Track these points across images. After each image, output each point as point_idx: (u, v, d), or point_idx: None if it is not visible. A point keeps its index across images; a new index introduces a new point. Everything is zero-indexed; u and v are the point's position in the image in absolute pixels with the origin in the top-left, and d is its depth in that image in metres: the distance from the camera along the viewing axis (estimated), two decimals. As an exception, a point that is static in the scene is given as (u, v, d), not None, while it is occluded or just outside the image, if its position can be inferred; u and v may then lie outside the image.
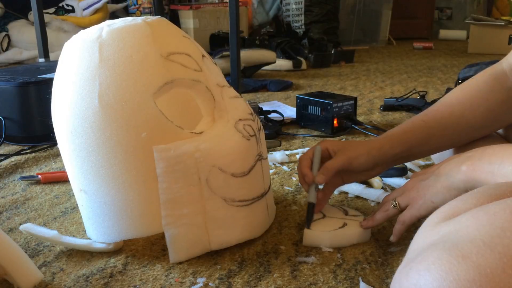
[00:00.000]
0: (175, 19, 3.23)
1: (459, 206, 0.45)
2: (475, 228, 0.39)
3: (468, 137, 0.80)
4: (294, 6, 3.34)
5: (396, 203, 0.71)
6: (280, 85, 2.05)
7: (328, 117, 1.33)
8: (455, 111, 0.78)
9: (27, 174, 1.09)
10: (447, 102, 0.80)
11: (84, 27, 0.72)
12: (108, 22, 0.71)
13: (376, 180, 0.96)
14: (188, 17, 3.15)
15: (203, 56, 0.74)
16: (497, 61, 0.83)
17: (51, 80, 0.72)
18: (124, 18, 0.72)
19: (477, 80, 0.80)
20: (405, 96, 1.64)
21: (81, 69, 0.67)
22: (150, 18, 0.72)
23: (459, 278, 0.35)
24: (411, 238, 0.46)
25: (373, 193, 0.92)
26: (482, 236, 0.37)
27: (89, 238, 0.76)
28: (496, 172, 0.56)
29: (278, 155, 1.13)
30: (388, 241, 0.75)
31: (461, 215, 0.43)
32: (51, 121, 0.74)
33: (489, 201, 0.43)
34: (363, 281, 0.65)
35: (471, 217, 0.41)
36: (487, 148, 0.60)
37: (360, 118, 1.47)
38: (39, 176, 1.02)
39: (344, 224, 0.75)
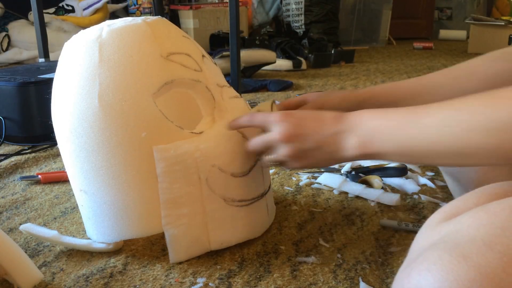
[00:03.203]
0: (175, 19, 3.23)
1: (460, 205, 0.46)
2: (475, 228, 0.39)
3: None
4: (294, 6, 3.34)
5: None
6: (280, 85, 2.05)
7: (328, 117, 1.33)
8: (450, 73, 0.76)
9: (27, 174, 1.09)
10: (447, 68, 0.78)
11: (84, 27, 0.72)
12: (108, 22, 0.71)
13: (376, 180, 0.96)
14: (188, 17, 3.14)
15: (203, 56, 0.74)
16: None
17: (51, 80, 0.72)
18: (124, 18, 0.72)
19: (483, 54, 0.77)
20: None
21: (81, 69, 0.67)
22: (150, 18, 0.72)
23: (459, 278, 0.35)
24: (412, 239, 0.46)
25: (373, 193, 0.92)
26: (482, 236, 0.38)
27: (89, 238, 0.76)
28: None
29: (278, 155, 1.13)
30: (388, 241, 0.75)
31: (462, 215, 0.43)
32: (51, 121, 0.74)
33: (490, 200, 0.43)
34: (363, 281, 0.65)
35: (471, 217, 0.41)
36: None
37: (360, 118, 1.46)
38: (39, 176, 1.02)
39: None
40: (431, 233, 0.44)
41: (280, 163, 0.66)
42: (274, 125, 0.64)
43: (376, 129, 0.56)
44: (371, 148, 0.57)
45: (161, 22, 0.72)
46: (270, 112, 0.71)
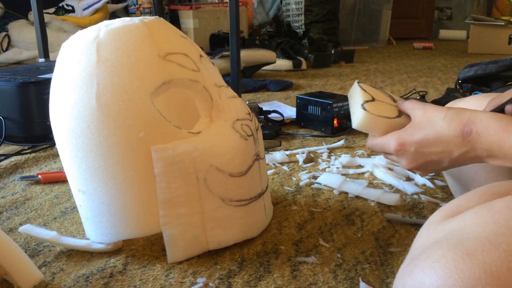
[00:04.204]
0: (175, 19, 3.23)
1: (462, 204, 0.45)
2: (479, 225, 0.39)
3: None
4: (294, 6, 3.34)
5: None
6: (280, 85, 2.05)
7: (328, 117, 1.33)
8: None
9: (27, 174, 1.09)
10: None
11: (84, 27, 0.71)
12: (105, 22, 0.71)
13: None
14: (188, 17, 3.14)
15: (200, 56, 0.74)
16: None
17: (51, 80, 0.72)
18: (122, 18, 0.72)
19: None
20: (405, 96, 1.64)
21: (79, 69, 0.67)
22: (148, 18, 0.72)
23: (464, 276, 0.35)
24: (412, 238, 0.46)
25: (373, 193, 0.92)
26: (486, 234, 0.37)
27: (88, 239, 0.76)
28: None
29: (278, 155, 1.13)
30: (388, 241, 0.75)
31: (465, 212, 0.43)
32: (49, 121, 0.74)
33: (492, 199, 0.43)
34: (363, 281, 0.65)
35: (474, 214, 0.41)
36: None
37: (360, 118, 1.46)
38: (39, 176, 1.02)
39: (400, 114, 0.69)
40: (434, 230, 0.43)
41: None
42: (394, 156, 0.65)
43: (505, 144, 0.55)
44: (496, 161, 0.55)
45: (159, 22, 0.72)
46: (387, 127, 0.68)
